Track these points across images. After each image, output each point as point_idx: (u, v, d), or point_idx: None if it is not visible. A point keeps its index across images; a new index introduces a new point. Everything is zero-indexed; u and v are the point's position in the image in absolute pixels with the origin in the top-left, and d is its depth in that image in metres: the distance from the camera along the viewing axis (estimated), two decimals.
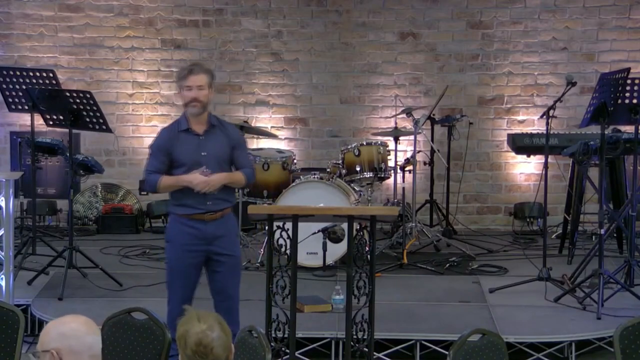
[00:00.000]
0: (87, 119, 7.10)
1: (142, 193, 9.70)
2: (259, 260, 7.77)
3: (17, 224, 8.09)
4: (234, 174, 5.47)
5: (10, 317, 4.47)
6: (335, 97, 9.71)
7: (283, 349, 5.24)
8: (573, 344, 6.17)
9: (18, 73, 7.64)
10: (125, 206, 9.41)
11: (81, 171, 7.62)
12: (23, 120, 9.26)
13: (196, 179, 5.30)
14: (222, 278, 5.47)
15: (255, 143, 9.52)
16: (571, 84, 6.79)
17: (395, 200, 8.54)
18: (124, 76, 9.68)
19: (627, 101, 6.69)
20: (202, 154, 5.36)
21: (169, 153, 5.40)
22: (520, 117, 9.65)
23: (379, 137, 8.61)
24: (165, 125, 5.73)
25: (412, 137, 8.38)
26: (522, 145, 8.47)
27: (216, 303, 5.52)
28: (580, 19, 9.54)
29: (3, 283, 6.31)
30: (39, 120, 7.52)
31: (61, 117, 7.20)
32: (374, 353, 5.50)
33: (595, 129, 7.47)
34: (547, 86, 9.60)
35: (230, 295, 5.52)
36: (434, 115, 9.06)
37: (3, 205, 6.22)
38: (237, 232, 5.75)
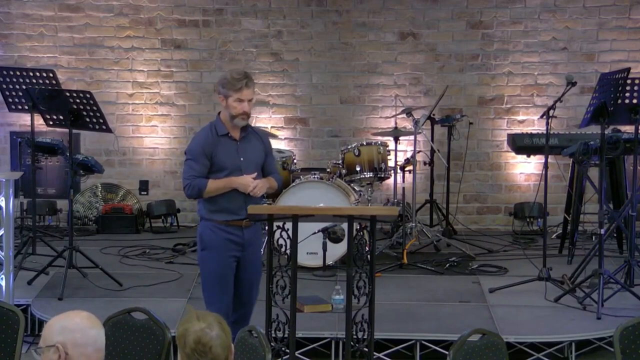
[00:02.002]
0: (87, 119, 7.10)
1: (142, 193, 9.71)
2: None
3: (17, 224, 8.10)
4: (271, 180, 5.53)
5: (10, 317, 4.48)
6: (335, 97, 9.71)
7: (283, 349, 5.25)
8: (573, 344, 6.17)
9: (18, 73, 7.64)
10: (125, 206, 9.41)
11: (81, 171, 7.62)
12: (23, 120, 9.25)
13: (249, 181, 5.31)
14: (247, 285, 5.46)
15: None
16: (571, 84, 6.79)
17: (395, 200, 8.53)
18: (124, 76, 9.68)
19: (627, 101, 6.70)
20: (241, 159, 5.38)
21: (210, 157, 5.34)
22: (520, 117, 9.65)
23: (379, 137, 8.60)
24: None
25: (412, 137, 8.39)
26: (522, 145, 8.47)
27: (235, 308, 5.48)
28: (580, 19, 9.54)
29: (3, 283, 6.31)
30: (39, 120, 7.52)
31: (61, 117, 7.21)
32: (374, 353, 5.50)
33: (595, 129, 7.47)
34: (547, 86, 9.59)
35: (250, 302, 5.54)
36: (434, 115, 9.05)
37: (3, 205, 6.22)
38: (262, 240, 5.73)
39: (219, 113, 5.44)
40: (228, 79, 5.32)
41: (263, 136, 5.62)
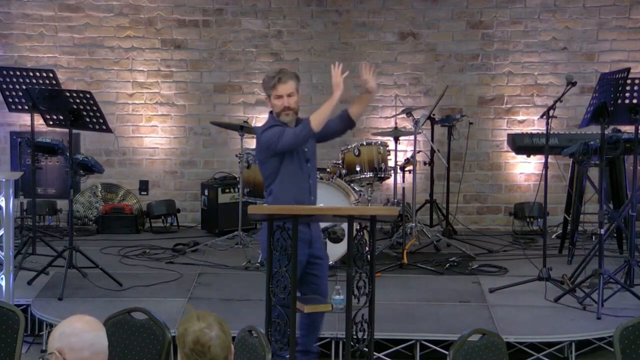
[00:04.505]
0: (87, 119, 7.10)
1: (142, 193, 9.71)
2: (259, 260, 7.77)
3: (17, 224, 8.10)
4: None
5: (10, 317, 4.48)
6: None
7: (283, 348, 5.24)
8: (573, 344, 6.18)
9: (18, 73, 7.64)
10: (125, 206, 9.41)
11: (81, 171, 7.62)
12: (23, 120, 9.25)
13: (335, 89, 5.41)
14: (319, 281, 5.46)
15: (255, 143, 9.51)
16: (571, 84, 6.79)
17: (395, 200, 8.54)
18: (124, 76, 9.68)
19: (627, 101, 6.70)
20: (305, 149, 5.50)
21: None
22: (520, 117, 9.65)
23: (379, 137, 8.60)
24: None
25: (412, 137, 8.38)
26: (522, 145, 8.46)
27: None
28: (580, 19, 9.54)
29: (3, 283, 6.31)
30: (39, 120, 7.52)
31: (61, 117, 7.21)
32: (374, 353, 5.50)
33: (595, 129, 7.47)
34: (547, 86, 9.59)
35: (326, 294, 5.55)
36: (434, 115, 9.05)
37: (3, 205, 6.22)
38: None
39: (271, 112, 5.59)
40: (265, 80, 5.53)
41: None
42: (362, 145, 7.99)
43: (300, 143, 5.42)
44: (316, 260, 5.48)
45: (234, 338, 3.36)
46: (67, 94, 7.10)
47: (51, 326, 6.42)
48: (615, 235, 8.19)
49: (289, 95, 5.47)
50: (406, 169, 8.37)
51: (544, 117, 6.88)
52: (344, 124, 5.68)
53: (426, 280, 7.53)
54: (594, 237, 8.42)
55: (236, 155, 8.70)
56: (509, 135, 8.94)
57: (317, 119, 5.39)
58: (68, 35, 9.61)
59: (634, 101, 6.68)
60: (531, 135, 8.57)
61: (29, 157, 7.92)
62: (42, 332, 6.56)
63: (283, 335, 5.20)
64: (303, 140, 5.42)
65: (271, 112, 5.58)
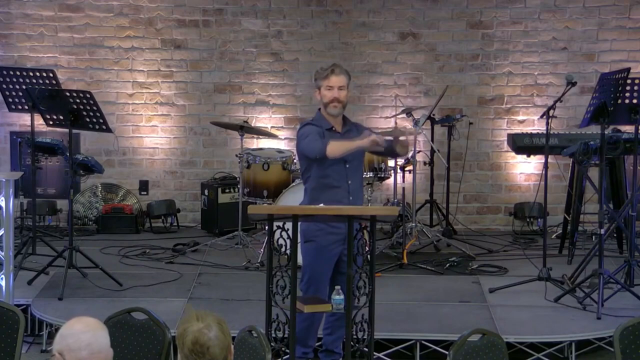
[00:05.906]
0: (87, 119, 7.11)
1: (142, 193, 9.71)
2: (259, 260, 7.78)
3: (17, 224, 8.10)
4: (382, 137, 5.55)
5: (10, 317, 4.48)
6: None
7: (283, 349, 5.25)
8: (573, 344, 6.18)
9: (18, 73, 7.64)
10: (125, 206, 9.40)
11: (81, 171, 7.61)
12: (23, 120, 9.25)
13: (367, 139, 5.38)
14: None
15: (255, 143, 9.53)
16: (571, 84, 6.79)
17: (395, 200, 8.53)
18: (124, 76, 9.67)
19: (627, 101, 6.70)
20: None
21: None
22: (520, 117, 9.65)
23: None
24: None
25: (412, 137, 8.38)
26: (522, 145, 8.46)
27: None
28: (580, 19, 9.54)
29: (3, 283, 6.31)
30: (39, 120, 7.52)
31: (61, 117, 7.21)
32: (374, 353, 5.50)
33: (595, 129, 7.47)
34: (547, 86, 9.59)
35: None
36: (434, 115, 9.05)
37: (3, 205, 6.23)
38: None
39: (319, 109, 5.64)
40: (318, 71, 5.62)
41: (361, 128, 5.71)
42: None
43: (308, 156, 5.49)
44: (346, 258, 5.43)
45: (234, 338, 3.36)
46: (67, 94, 7.10)
47: (51, 326, 6.43)
48: (615, 235, 8.20)
49: (340, 88, 5.53)
50: (406, 169, 8.36)
51: (544, 117, 6.88)
52: (391, 153, 5.78)
53: (426, 280, 7.54)
54: (594, 237, 8.41)
55: (236, 155, 8.70)
56: (509, 135, 8.94)
57: (334, 150, 5.40)
58: (68, 35, 9.60)
59: (634, 101, 6.68)
60: (531, 135, 8.57)
61: (29, 157, 7.92)
62: (42, 332, 6.56)
63: (283, 335, 5.21)
64: (311, 155, 5.47)
65: (319, 109, 5.64)
